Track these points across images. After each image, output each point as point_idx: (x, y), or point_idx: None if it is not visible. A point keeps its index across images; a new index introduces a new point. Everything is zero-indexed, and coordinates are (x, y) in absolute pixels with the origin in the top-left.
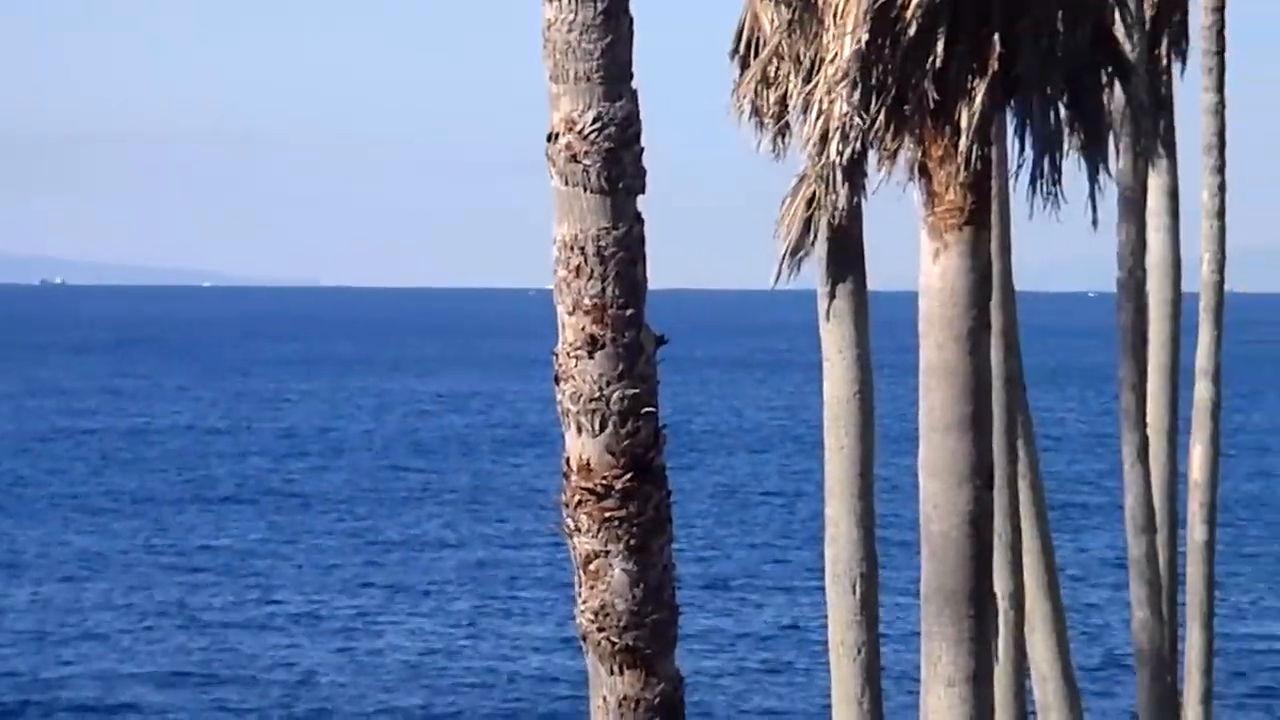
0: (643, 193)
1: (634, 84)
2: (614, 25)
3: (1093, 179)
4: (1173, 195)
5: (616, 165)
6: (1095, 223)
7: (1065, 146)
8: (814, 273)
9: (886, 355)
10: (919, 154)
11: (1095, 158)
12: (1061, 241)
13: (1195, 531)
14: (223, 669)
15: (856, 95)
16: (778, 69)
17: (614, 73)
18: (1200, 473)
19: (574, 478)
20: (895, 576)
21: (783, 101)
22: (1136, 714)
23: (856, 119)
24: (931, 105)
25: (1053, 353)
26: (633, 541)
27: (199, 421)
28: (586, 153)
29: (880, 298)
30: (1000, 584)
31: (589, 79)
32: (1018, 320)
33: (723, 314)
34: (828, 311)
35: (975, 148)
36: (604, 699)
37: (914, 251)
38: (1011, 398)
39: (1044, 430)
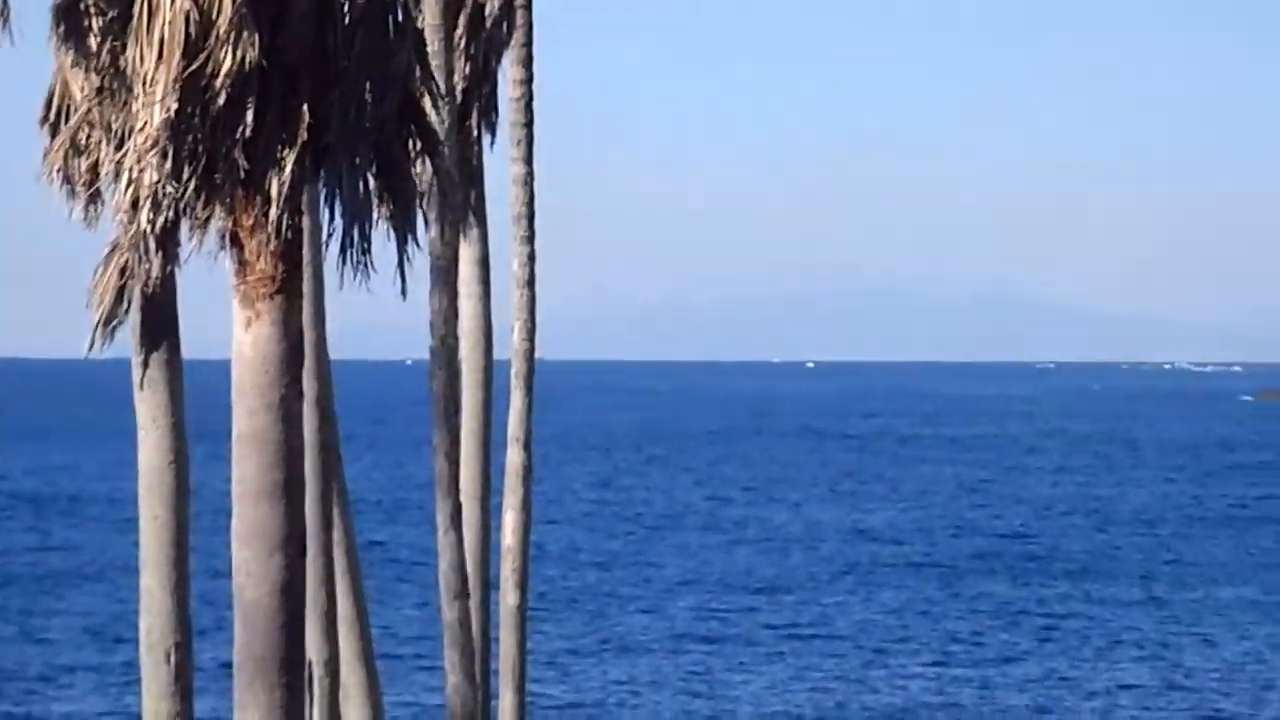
0: None
1: None
2: None
3: (401, 248)
4: (483, 264)
5: None
6: (404, 292)
7: (375, 216)
8: (128, 342)
9: (211, 423)
10: (230, 223)
11: (403, 228)
12: (381, 308)
13: (508, 596)
14: None
15: (167, 164)
16: (89, 136)
17: None
18: (513, 538)
19: None
20: (214, 647)
21: (94, 169)
22: None
23: (168, 187)
24: (242, 174)
25: (372, 420)
26: None
27: None
28: None
29: (202, 366)
30: (315, 651)
31: None
32: (333, 389)
33: (45, 381)
34: (141, 380)
35: (285, 217)
36: None
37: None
38: (326, 465)
39: (362, 497)
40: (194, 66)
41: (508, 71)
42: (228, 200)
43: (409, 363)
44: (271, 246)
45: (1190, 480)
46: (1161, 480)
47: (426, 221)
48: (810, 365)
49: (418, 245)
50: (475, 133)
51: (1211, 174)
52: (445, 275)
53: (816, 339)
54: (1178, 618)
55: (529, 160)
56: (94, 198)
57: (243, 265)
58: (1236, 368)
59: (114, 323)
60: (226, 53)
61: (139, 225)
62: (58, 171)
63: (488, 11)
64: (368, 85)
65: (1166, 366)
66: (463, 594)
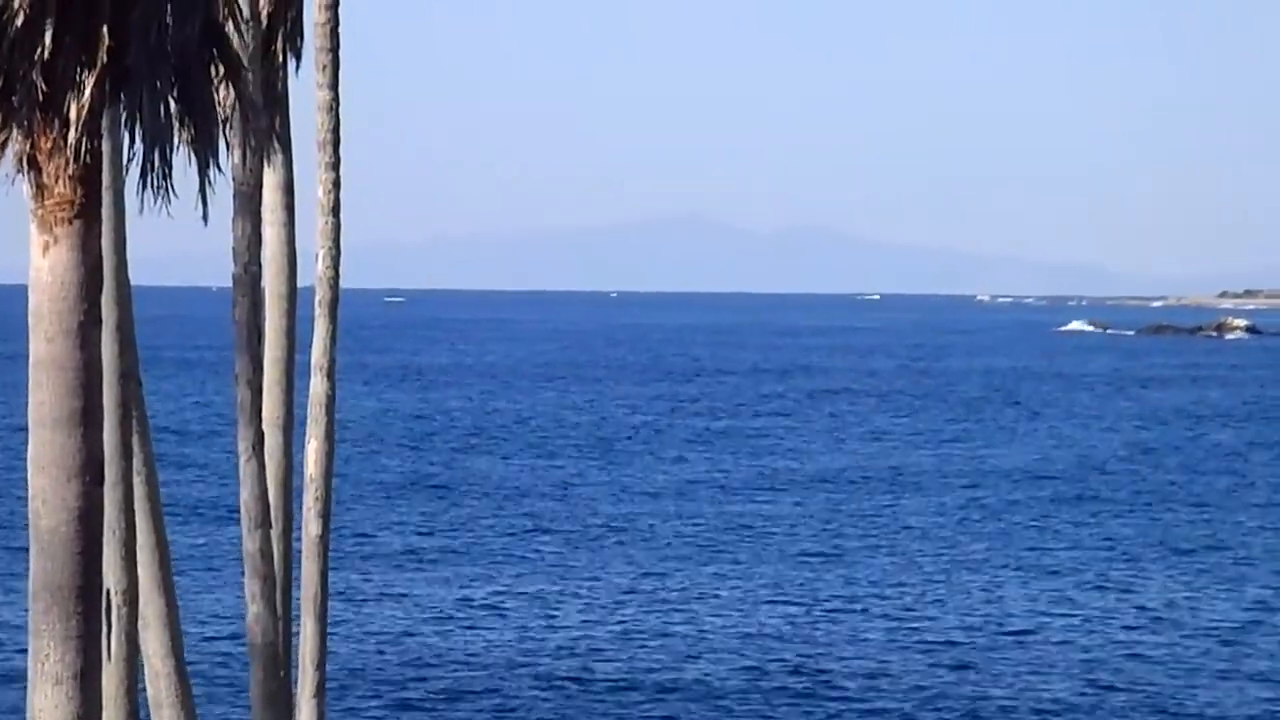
0: None
1: None
2: None
3: (203, 173)
4: (288, 191)
5: None
6: (206, 217)
7: (176, 140)
8: None
9: (7, 347)
10: (28, 146)
11: (205, 152)
12: (188, 235)
13: (310, 526)
14: None
15: None
16: None
17: None
18: (316, 467)
19: None
20: (8, 575)
21: None
22: (253, 706)
23: None
24: (40, 97)
25: (176, 346)
26: None
27: None
28: None
29: (3, 291)
30: (113, 579)
31: None
32: (133, 316)
33: None
34: None
35: (85, 140)
36: None
37: (28, 245)
38: (126, 393)
39: (165, 424)
40: None
41: None
42: (25, 123)
43: (214, 290)
44: (70, 170)
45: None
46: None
47: (229, 146)
48: (613, 295)
49: (220, 170)
50: (280, 58)
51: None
52: (248, 202)
53: (617, 269)
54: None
55: (335, 86)
56: None
57: (40, 189)
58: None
59: None
60: None
61: None
62: None
63: None
64: (169, 8)
65: (983, 299)
66: (264, 523)
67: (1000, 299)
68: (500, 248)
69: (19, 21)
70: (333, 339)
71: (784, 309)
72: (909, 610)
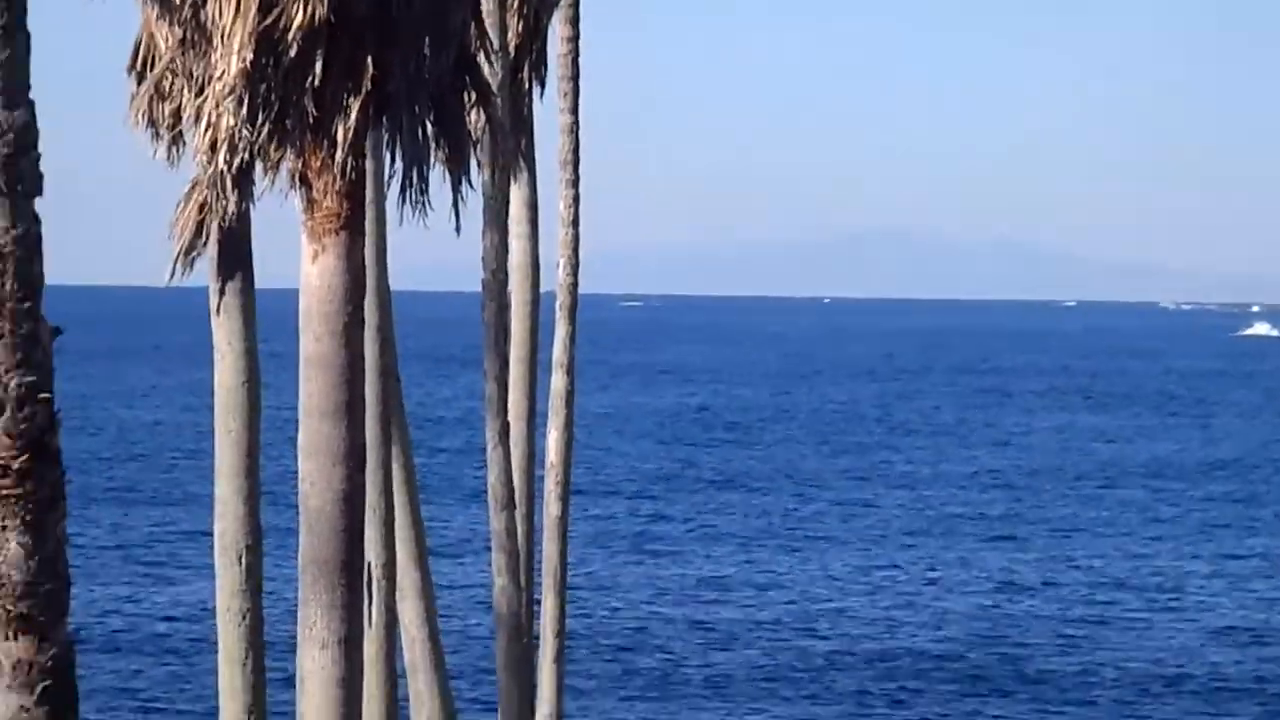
0: (40, 195)
1: (31, 95)
2: (10, 42)
3: (456, 189)
4: (532, 205)
5: (14, 171)
6: (458, 229)
7: (432, 160)
8: (206, 271)
9: (279, 346)
10: (300, 165)
11: (458, 171)
12: (442, 245)
13: (551, 507)
14: None
15: (243, 110)
16: (172, 83)
17: (12, 86)
18: (556, 455)
19: None
20: (282, 550)
21: (177, 114)
22: (499, 670)
23: (243, 131)
24: (311, 120)
25: (431, 345)
26: (28, 517)
27: None
28: None
29: (271, 294)
30: (374, 555)
31: None
32: (392, 317)
33: (122, 307)
34: (218, 307)
35: (350, 160)
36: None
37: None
38: (386, 387)
39: (421, 415)
40: (268, 21)
41: (557, 29)
42: (298, 144)
43: (466, 294)
44: (337, 186)
45: None
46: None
47: (480, 165)
48: (826, 301)
49: (471, 187)
50: (526, 85)
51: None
52: (496, 215)
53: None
54: None
55: (575, 110)
56: (176, 140)
57: (311, 203)
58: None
59: (193, 254)
60: (298, 9)
61: (217, 165)
62: (143, 115)
63: None
64: (427, 41)
65: (1168, 306)
66: (509, 505)
67: (1183, 305)
68: (722, 258)
69: (292, 52)
70: (571, 339)
71: (990, 314)
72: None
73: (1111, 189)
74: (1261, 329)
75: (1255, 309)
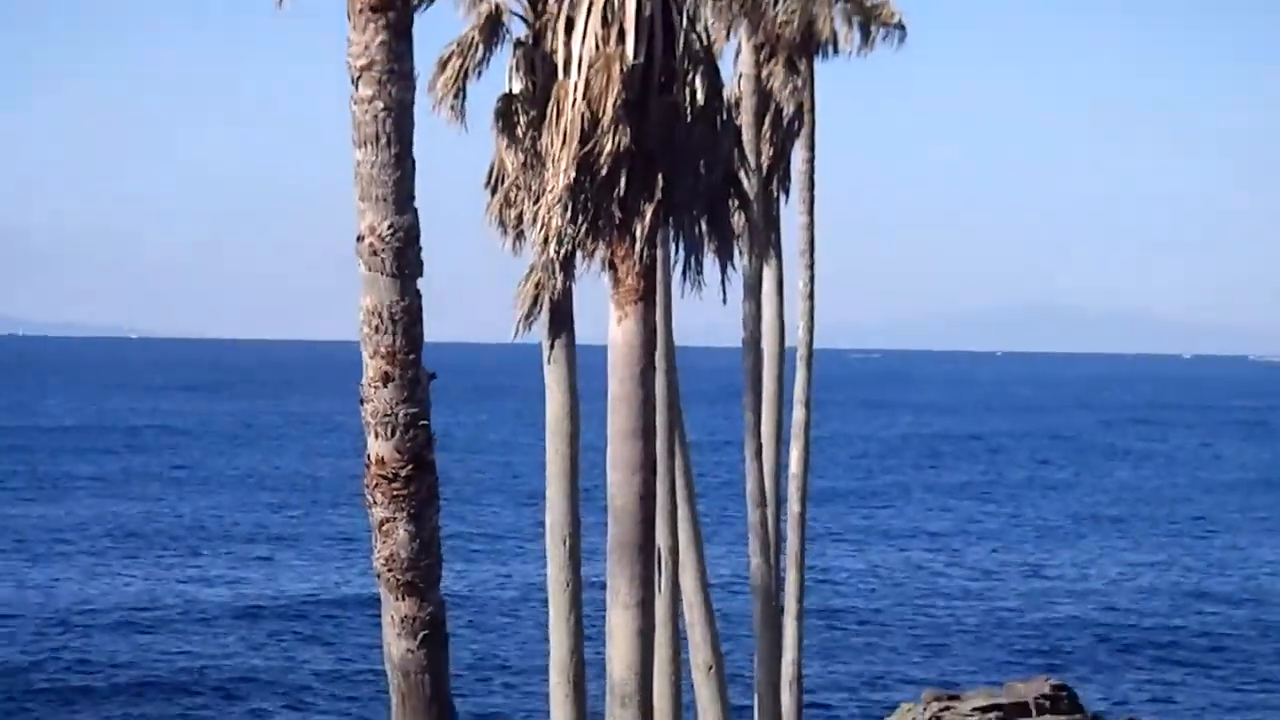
0: (421, 276)
1: (415, 203)
2: (401, 164)
3: (723, 270)
4: (779, 282)
5: (403, 258)
6: (724, 299)
7: (705, 250)
8: (540, 331)
9: (595, 386)
10: (609, 253)
11: (725, 258)
12: (713, 311)
13: (793, 505)
14: None
15: (568, 214)
16: (516, 194)
17: (401, 196)
18: (797, 466)
19: (373, 468)
20: (594, 537)
21: (519, 217)
22: (755, 628)
23: (568, 230)
24: (617, 221)
25: (708, 386)
26: (412, 511)
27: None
28: (384, 249)
29: (586, 349)
30: (662, 540)
31: (385, 200)
32: (676, 365)
33: (479, 358)
34: (549, 358)
35: (646, 249)
36: (391, 617)
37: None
38: (672, 416)
39: (701, 436)
40: (586, 149)
41: (798, 153)
42: (607, 238)
43: (726, 349)
44: (636, 269)
45: None
46: None
47: (741, 253)
48: (998, 355)
49: (734, 269)
50: (774, 194)
51: None
52: (753, 290)
53: (1001, 337)
54: None
55: (811, 212)
56: (518, 236)
57: (616, 281)
58: None
59: (530, 319)
60: (608, 139)
61: (548, 254)
62: (494, 218)
63: (784, 114)
64: (702, 163)
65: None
66: (762, 503)
67: (1267, 358)
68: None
69: (604, 171)
70: (809, 382)
71: (1126, 364)
72: None
73: (1211, 265)
74: None
75: None
